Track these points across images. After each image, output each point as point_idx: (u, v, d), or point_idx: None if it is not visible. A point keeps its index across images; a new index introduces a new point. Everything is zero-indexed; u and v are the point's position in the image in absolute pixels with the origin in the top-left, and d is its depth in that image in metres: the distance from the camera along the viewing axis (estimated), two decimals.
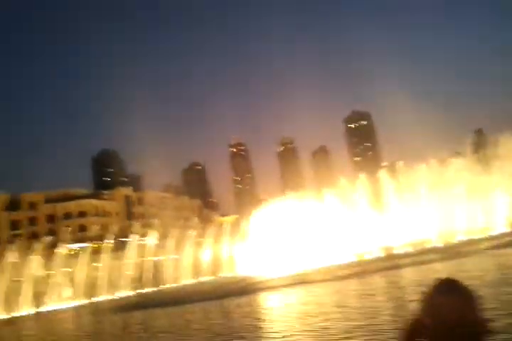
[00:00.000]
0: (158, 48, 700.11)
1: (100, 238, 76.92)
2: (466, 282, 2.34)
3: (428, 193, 55.49)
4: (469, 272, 21.73)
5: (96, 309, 44.26)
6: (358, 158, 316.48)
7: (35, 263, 60.49)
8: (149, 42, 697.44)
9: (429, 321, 2.21)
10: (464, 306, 2.18)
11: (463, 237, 46.21)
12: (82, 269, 64.62)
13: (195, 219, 75.01)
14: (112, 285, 62.43)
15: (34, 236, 75.58)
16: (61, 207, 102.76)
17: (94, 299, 58.33)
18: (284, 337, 14.25)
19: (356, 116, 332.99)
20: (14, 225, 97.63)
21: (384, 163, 78.22)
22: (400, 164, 66.96)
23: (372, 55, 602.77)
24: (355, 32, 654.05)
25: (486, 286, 15.54)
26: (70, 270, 65.32)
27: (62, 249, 66.09)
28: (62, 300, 59.04)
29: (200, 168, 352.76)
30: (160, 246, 69.65)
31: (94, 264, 65.49)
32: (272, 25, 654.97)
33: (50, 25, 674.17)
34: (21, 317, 51.24)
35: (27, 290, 56.68)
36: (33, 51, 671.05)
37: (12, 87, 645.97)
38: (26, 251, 63.56)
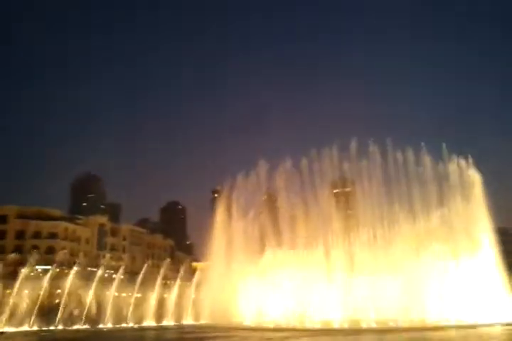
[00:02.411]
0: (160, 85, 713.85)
1: (67, 263, 74.88)
2: None
3: None
4: None
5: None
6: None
7: None
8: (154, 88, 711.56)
9: None
10: None
11: None
12: (38, 293, 62.12)
13: (167, 260, 73.35)
14: (65, 316, 59.88)
15: (0, 251, 73.20)
16: (33, 225, 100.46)
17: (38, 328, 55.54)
18: None
19: (341, 181, 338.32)
20: None
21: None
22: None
23: None
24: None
25: None
26: (26, 292, 62.73)
27: (26, 269, 63.79)
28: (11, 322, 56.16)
29: (180, 207, 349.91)
30: (125, 282, 67.63)
31: (57, 290, 63.13)
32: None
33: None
34: None
35: None
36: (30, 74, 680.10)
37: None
38: None
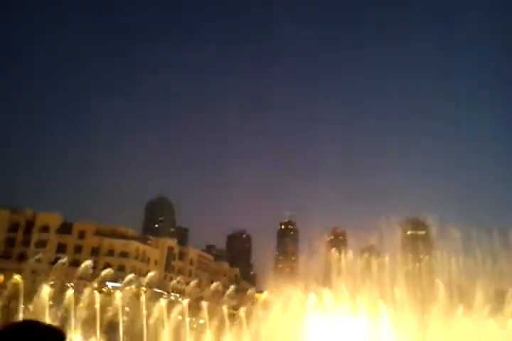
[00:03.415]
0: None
1: (135, 282, 76.81)
2: None
3: None
4: None
5: None
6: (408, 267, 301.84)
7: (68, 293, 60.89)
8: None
9: None
10: None
11: None
12: (104, 310, 63.93)
13: (232, 288, 73.17)
14: (127, 334, 60.91)
15: (75, 264, 76.88)
16: (107, 243, 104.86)
17: None
18: None
19: (414, 223, 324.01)
20: (60, 248, 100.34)
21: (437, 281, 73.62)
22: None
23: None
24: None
25: None
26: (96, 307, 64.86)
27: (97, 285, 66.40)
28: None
29: (245, 236, 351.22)
30: (190, 308, 68.00)
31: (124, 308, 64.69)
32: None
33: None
34: None
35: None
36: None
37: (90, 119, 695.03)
38: (65, 277, 64.57)
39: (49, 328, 1.59)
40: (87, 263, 67.21)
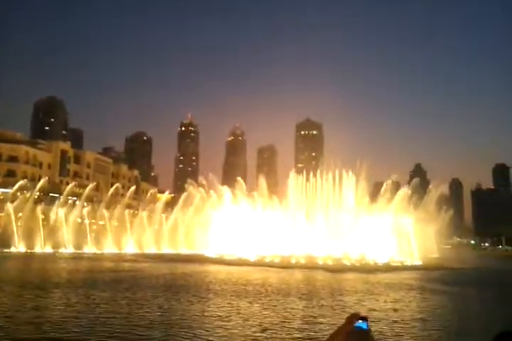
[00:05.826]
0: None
1: (27, 187, 73.62)
2: None
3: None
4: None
5: None
6: (301, 165, 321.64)
7: None
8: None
9: None
10: None
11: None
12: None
13: (131, 190, 73.21)
14: (25, 239, 59.88)
15: None
16: None
17: None
18: None
19: (309, 124, 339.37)
20: None
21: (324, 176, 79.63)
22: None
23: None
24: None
25: None
26: None
27: None
28: None
29: (145, 138, 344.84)
30: (88, 210, 67.66)
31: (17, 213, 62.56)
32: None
33: None
34: None
35: None
36: None
37: None
38: None
39: None
40: None
